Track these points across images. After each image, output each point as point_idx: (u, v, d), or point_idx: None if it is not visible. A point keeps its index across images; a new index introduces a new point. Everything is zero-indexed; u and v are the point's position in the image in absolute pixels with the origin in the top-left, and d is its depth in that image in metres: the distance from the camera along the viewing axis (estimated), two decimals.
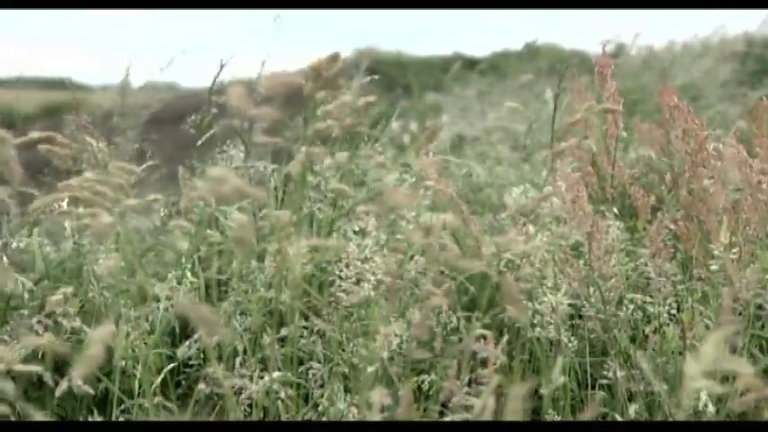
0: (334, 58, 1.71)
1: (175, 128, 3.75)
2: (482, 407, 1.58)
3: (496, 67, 10.74)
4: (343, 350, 2.24)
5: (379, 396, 1.49)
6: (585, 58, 8.53)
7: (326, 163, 2.43)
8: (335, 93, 1.71)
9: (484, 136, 5.14)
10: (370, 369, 1.93)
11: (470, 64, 10.86)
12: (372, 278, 2.15)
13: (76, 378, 1.93)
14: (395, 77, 10.51)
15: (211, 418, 2.20)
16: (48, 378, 1.92)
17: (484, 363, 1.93)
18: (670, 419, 2.13)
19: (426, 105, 8.52)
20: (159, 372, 2.19)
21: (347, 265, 2.18)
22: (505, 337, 1.97)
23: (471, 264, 1.87)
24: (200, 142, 3.00)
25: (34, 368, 1.65)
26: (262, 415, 2.13)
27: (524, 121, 5.10)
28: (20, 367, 1.62)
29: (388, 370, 2.05)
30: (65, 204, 1.45)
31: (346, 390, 2.16)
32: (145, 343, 2.16)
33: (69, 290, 1.89)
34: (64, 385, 1.86)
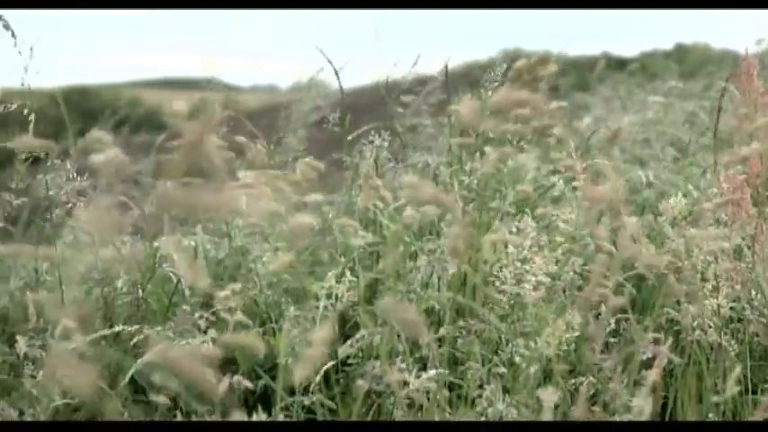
0: (544, 60, 1.70)
1: (318, 126, 3.78)
2: (641, 408, 1.56)
3: (645, 66, 10.61)
4: (502, 351, 2.24)
5: (548, 396, 1.48)
6: (737, 57, 8.37)
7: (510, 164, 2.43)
8: (534, 95, 1.69)
9: (636, 136, 5.08)
10: (533, 369, 1.92)
11: (618, 64, 10.74)
12: (532, 279, 2.14)
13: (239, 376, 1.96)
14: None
15: (369, 418, 2.21)
16: (210, 375, 1.94)
17: (647, 365, 1.91)
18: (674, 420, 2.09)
19: (574, 105, 8.45)
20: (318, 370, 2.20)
21: (506, 266, 2.18)
22: (670, 340, 1.95)
23: (659, 259, 1.85)
24: (350, 137, 3.01)
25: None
26: (421, 414, 2.14)
27: (675, 121, 5.04)
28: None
29: (554, 371, 2.04)
30: (243, 203, 1.46)
31: (505, 390, 2.15)
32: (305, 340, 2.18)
33: (237, 286, 1.91)
34: (227, 381, 1.88)
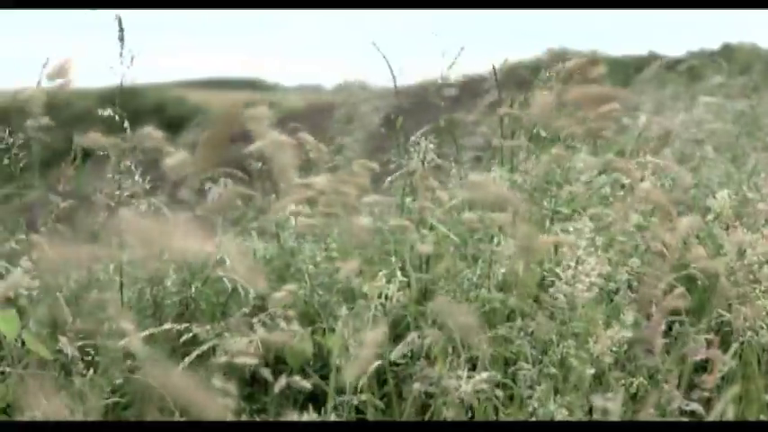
0: (594, 61, 1.69)
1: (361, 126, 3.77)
2: (719, 413, 1.56)
3: (692, 66, 10.52)
4: (553, 352, 2.23)
5: (601, 400, 1.47)
6: None
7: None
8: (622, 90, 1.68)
9: (687, 136, 5.04)
10: (589, 371, 1.91)
11: (665, 63, 10.66)
12: (586, 279, 2.13)
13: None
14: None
15: (419, 418, 2.21)
16: (266, 373, 1.94)
17: (702, 367, 1.90)
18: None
19: (621, 105, 8.39)
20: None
21: (560, 266, 2.17)
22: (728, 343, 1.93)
23: (715, 263, 1.84)
24: (398, 141, 3.00)
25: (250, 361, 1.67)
26: (471, 415, 2.13)
27: (725, 121, 4.99)
28: (242, 359, 1.65)
29: (606, 372, 2.03)
30: (303, 207, 1.46)
31: (556, 391, 2.15)
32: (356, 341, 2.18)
33: (293, 287, 1.91)
34: (283, 381, 1.88)
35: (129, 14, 2.58)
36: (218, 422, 1.99)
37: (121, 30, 2.44)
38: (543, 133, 2.75)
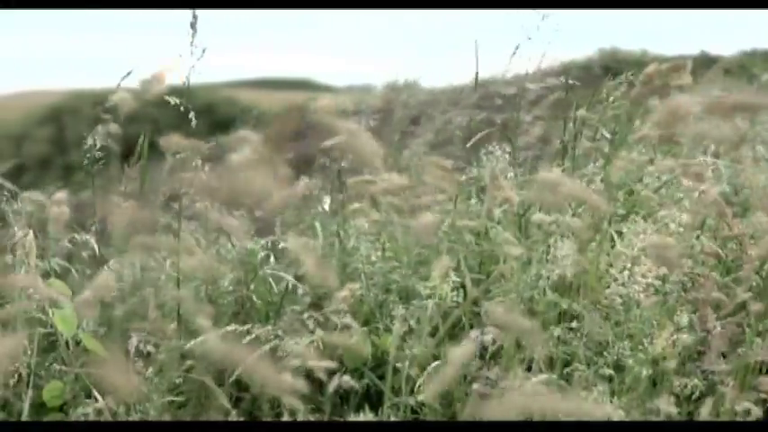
0: (678, 67, 1.68)
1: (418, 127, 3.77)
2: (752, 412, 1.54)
3: (743, 66, 10.45)
4: (608, 353, 2.22)
5: (665, 404, 1.46)
6: None
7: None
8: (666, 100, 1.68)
9: (736, 136, 5.00)
10: (643, 372, 1.90)
11: (716, 63, 10.58)
12: (643, 281, 2.12)
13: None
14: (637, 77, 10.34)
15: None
16: (322, 374, 1.95)
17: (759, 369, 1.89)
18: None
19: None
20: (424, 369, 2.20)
21: (616, 268, 2.16)
22: None
23: None
24: (470, 143, 2.99)
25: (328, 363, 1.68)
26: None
27: None
28: (313, 363, 1.65)
29: (663, 373, 2.02)
30: (366, 206, 1.47)
31: (612, 393, 2.14)
32: (412, 341, 2.18)
33: (356, 286, 1.91)
34: (336, 381, 1.89)
35: (180, 15, 2.59)
36: (219, 422, 2.00)
37: (194, 29, 2.45)
38: (608, 135, 2.74)
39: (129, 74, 2.56)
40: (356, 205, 2.02)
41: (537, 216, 2.13)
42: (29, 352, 2.15)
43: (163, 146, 1.91)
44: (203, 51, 2.47)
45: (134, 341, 2.13)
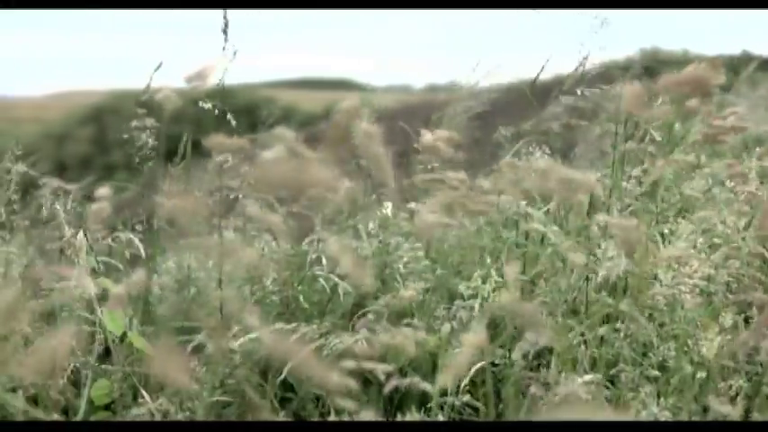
0: (714, 64, 1.68)
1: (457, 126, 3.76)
2: None
3: None
4: (653, 353, 2.21)
5: (718, 403, 1.46)
6: None
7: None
8: (707, 100, 1.67)
9: None
10: (692, 372, 1.90)
11: (763, 63, 10.50)
12: (689, 282, 2.12)
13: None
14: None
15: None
16: (379, 373, 1.95)
17: None
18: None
19: (718, 106, 8.29)
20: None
21: (662, 268, 2.16)
22: None
23: None
24: (519, 145, 2.98)
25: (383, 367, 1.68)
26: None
27: None
28: (370, 365, 1.65)
29: (709, 373, 2.01)
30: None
31: (659, 394, 2.13)
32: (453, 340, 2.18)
33: (420, 285, 1.92)
34: (393, 382, 1.89)
35: (218, 15, 2.60)
36: (219, 422, 2.01)
37: (225, 27, 2.46)
38: (658, 137, 2.73)
39: (159, 69, 2.58)
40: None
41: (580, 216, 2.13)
42: (76, 350, 2.16)
43: (207, 145, 1.92)
44: (234, 53, 2.48)
45: (181, 340, 2.15)
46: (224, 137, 1.83)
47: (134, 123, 2.63)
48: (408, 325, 2.27)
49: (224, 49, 2.46)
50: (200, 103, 2.50)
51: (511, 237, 2.65)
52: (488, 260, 2.50)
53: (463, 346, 1.50)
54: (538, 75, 3.45)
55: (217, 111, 2.51)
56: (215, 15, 2.61)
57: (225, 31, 2.48)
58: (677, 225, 2.24)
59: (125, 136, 2.70)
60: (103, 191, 2.35)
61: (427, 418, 1.98)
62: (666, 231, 2.28)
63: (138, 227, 2.77)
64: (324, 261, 2.60)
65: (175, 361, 1.20)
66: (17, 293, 1.64)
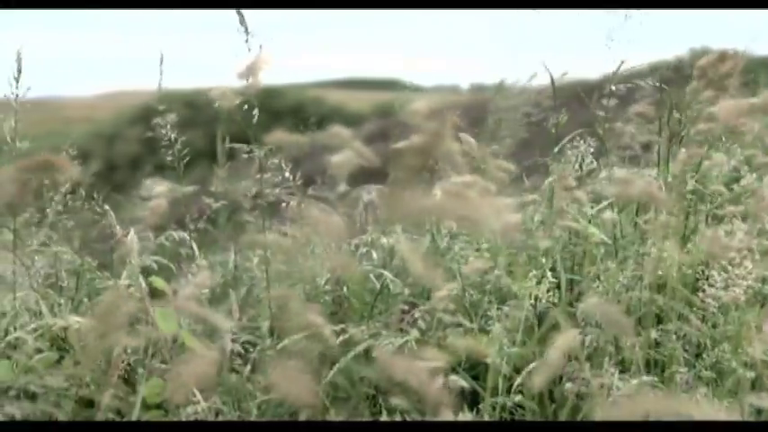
0: (724, 56, 1.67)
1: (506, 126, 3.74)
2: None
3: None
4: (707, 355, 2.20)
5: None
6: None
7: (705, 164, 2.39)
8: (721, 93, 1.66)
9: None
10: (746, 374, 1.88)
11: None
12: (743, 283, 2.10)
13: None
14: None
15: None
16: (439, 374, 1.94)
17: None
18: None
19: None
20: (519, 370, 2.19)
21: (714, 268, 2.14)
22: None
23: None
24: (560, 145, 2.96)
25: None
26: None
27: None
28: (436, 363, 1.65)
29: (763, 374, 1.99)
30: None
31: (713, 395, 2.11)
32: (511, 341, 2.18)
33: (454, 285, 1.92)
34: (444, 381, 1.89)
35: (263, 15, 2.60)
36: (219, 422, 2.01)
37: (245, 28, 2.46)
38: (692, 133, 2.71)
39: (200, 69, 2.57)
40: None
41: (606, 215, 2.12)
42: (128, 350, 2.17)
43: (266, 141, 1.93)
44: (260, 48, 2.48)
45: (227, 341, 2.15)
46: (283, 133, 1.83)
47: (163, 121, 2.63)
48: (459, 325, 2.28)
49: (260, 47, 2.45)
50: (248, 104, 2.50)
51: (563, 236, 2.64)
52: (543, 261, 2.49)
53: (554, 346, 1.49)
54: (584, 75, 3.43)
55: (259, 111, 2.50)
56: (258, 16, 2.61)
57: (245, 30, 2.47)
58: (731, 225, 2.22)
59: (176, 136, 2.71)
60: (160, 188, 2.36)
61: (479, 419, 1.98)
62: (722, 232, 2.25)
63: (191, 225, 2.78)
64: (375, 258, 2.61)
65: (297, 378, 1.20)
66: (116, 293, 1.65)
